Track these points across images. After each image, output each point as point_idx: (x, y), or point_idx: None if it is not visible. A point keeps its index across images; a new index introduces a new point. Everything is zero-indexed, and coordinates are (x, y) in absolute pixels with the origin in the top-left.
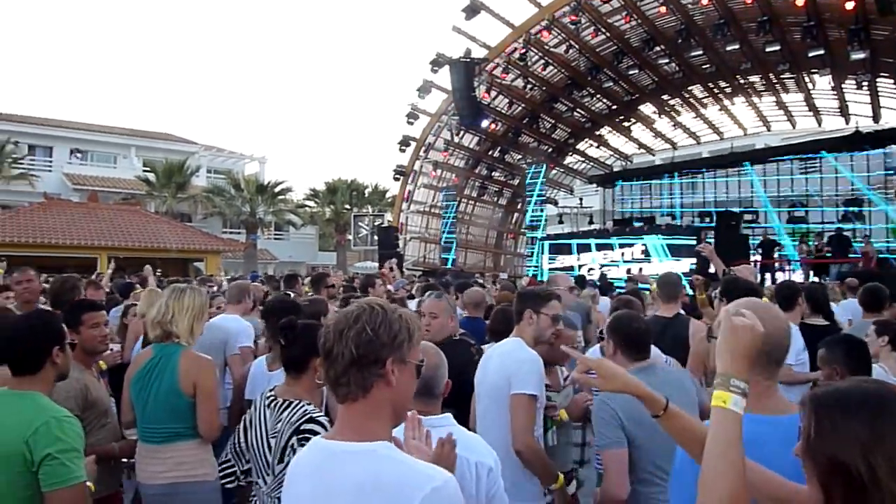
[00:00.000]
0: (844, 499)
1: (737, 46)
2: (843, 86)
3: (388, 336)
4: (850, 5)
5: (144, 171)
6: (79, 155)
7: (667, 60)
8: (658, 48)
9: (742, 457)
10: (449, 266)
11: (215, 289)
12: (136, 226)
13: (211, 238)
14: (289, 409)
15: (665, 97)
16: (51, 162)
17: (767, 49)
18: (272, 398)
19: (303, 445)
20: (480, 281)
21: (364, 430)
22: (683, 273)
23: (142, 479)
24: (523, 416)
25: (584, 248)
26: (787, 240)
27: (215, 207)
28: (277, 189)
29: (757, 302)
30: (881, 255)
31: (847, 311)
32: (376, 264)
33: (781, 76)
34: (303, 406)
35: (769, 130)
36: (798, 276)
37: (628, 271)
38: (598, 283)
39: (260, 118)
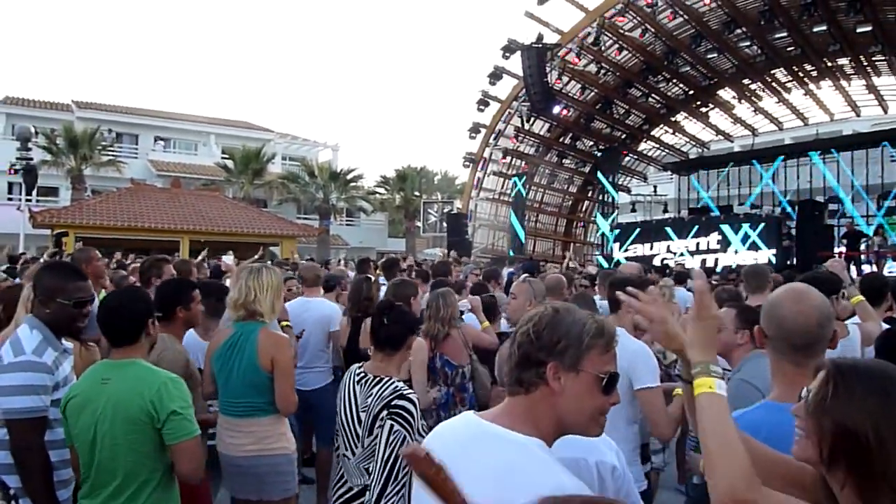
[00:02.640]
0: (848, 461)
1: (824, 28)
2: None
3: (550, 340)
4: None
5: (223, 157)
6: (162, 142)
7: (748, 43)
8: (739, 30)
9: (740, 435)
10: (512, 255)
11: (290, 272)
12: (216, 211)
13: (286, 223)
14: (380, 385)
15: (745, 81)
16: (136, 149)
17: (858, 30)
18: (363, 374)
19: (393, 419)
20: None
21: (521, 422)
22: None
23: (223, 450)
24: (659, 407)
25: (659, 237)
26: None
27: (290, 193)
28: (349, 176)
29: (784, 287)
30: None
31: None
32: (444, 251)
33: (873, 58)
34: (393, 382)
35: (858, 116)
36: (886, 270)
37: (703, 262)
38: (674, 273)
39: (334, 106)
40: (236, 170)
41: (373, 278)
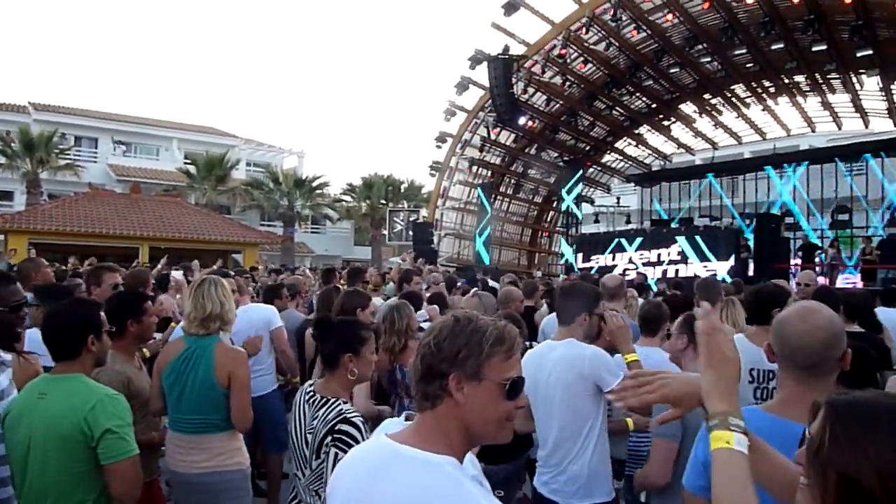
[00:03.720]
0: None
1: (782, 45)
2: (891, 86)
3: (450, 350)
4: None
5: (186, 163)
6: (122, 146)
7: (709, 59)
8: (700, 46)
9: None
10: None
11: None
12: (177, 217)
13: (249, 230)
14: (325, 407)
15: (706, 96)
16: (96, 153)
17: (814, 48)
18: (311, 394)
19: (336, 446)
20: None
21: (432, 440)
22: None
23: (174, 468)
24: None
25: (620, 248)
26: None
27: (254, 200)
28: (315, 183)
29: (795, 304)
30: None
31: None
32: (400, 259)
33: (828, 76)
34: (338, 405)
35: (814, 132)
36: (841, 282)
37: (664, 273)
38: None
39: (300, 113)
40: (199, 176)
41: (341, 288)
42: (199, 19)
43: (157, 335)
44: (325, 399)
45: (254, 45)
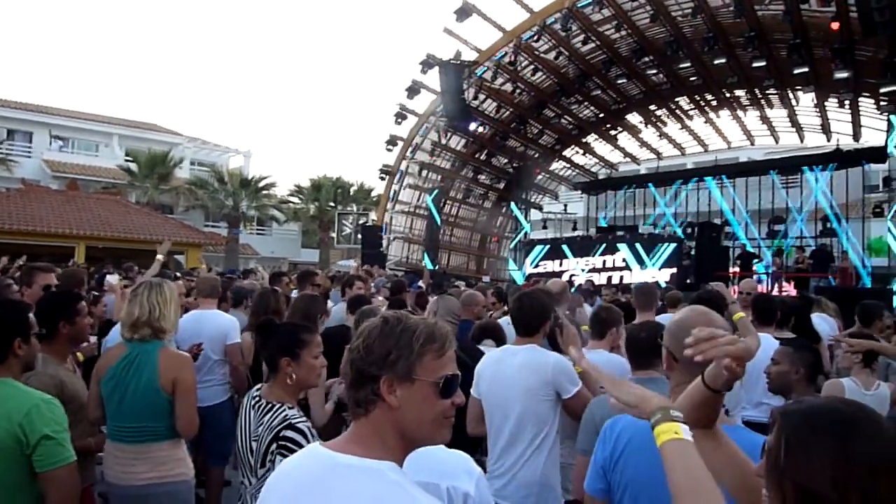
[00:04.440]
0: None
1: (724, 60)
2: (825, 104)
3: (380, 352)
4: (835, 25)
5: (127, 160)
6: (59, 141)
7: (655, 71)
8: (647, 58)
9: (714, 483)
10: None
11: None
12: (116, 216)
13: (192, 231)
14: (270, 413)
15: (652, 107)
16: (30, 148)
17: (754, 64)
18: (257, 399)
19: (282, 454)
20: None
21: (369, 446)
22: (666, 282)
23: (113, 480)
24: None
25: (568, 255)
26: (766, 252)
27: (198, 200)
28: (262, 184)
29: (690, 309)
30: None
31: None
32: (357, 262)
33: (766, 91)
34: (284, 410)
35: (753, 144)
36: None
37: (609, 279)
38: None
39: (247, 112)
40: (140, 173)
41: (280, 290)
42: (144, 13)
43: (93, 338)
44: (270, 405)
45: (201, 41)
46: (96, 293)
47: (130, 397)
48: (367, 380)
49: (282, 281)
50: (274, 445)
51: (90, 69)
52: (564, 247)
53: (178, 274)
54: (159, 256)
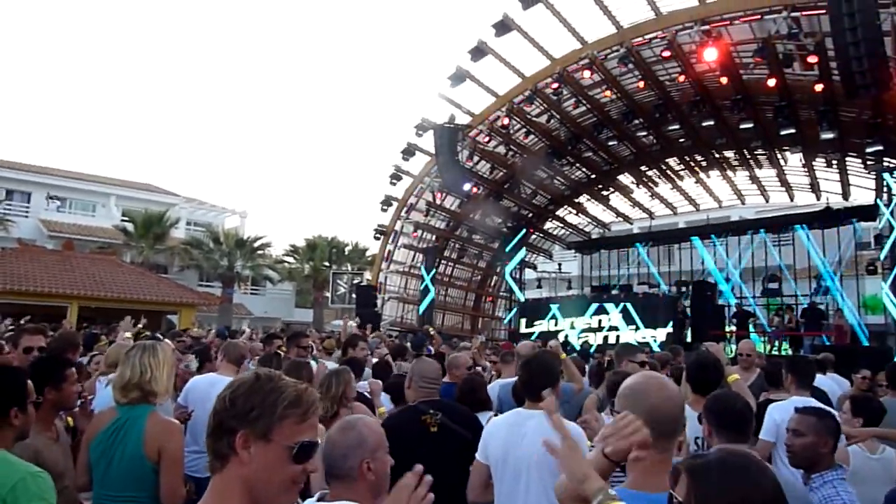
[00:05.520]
0: None
1: (712, 122)
2: (813, 163)
3: (244, 407)
4: (819, 87)
5: (123, 220)
6: (57, 202)
7: (645, 133)
8: (637, 121)
9: None
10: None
11: (188, 342)
12: (110, 276)
13: (185, 290)
14: None
15: (643, 168)
16: (28, 208)
17: (741, 126)
18: None
19: None
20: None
21: (223, 502)
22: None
23: None
24: None
25: (563, 314)
26: (760, 312)
27: (192, 260)
28: (257, 244)
29: (643, 375)
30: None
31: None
32: (353, 322)
33: (755, 152)
34: None
35: (743, 204)
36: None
37: (605, 339)
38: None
39: (244, 173)
40: (136, 233)
41: (282, 354)
42: (142, 76)
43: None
44: None
45: (200, 102)
46: (90, 353)
47: (116, 465)
48: (226, 432)
49: (274, 343)
50: None
51: (88, 130)
52: (555, 306)
53: (160, 335)
54: (127, 334)
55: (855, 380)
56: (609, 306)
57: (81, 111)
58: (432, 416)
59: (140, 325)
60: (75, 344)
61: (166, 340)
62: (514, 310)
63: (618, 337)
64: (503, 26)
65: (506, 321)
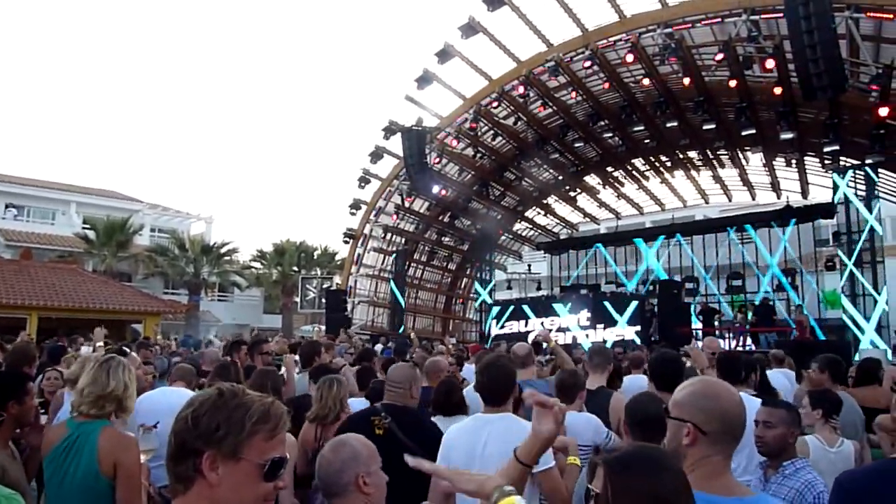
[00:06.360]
0: None
1: (675, 123)
2: (773, 163)
3: (208, 426)
4: (778, 90)
5: (84, 228)
6: (14, 210)
7: (611, 134)
8: (602, 122)
9: None
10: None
11: (158, 350)
12: (71, 285)
13: (150, 299)
14: None
15: (609, 169)
16: None
17: (704, 127)
18: None
19: None
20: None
21: None
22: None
23: None
24: (559, 483)
25: (533, 314)
26: (726, 308)
27: (157, 267)
28: (223, 250)
29: (709, 379)
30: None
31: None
32: (322, 327)
33: (717, 152)
34: None
35: (707, 203)
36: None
37: (574, 339)
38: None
39: (208, 178)
40: (98, 241)
41: (240, 363)
42: (103, 79)
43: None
44: None
45: (162, 107)
46: (48, 368)
47: (69, 482)
48: (189, 453)
49: (241, 350)
50: None
51: (47, 136)
52: (526, 307)
53: (126, 349)
54: (99, 343)
55: (805, 374)
56: (558, 307)
57: (39, 116)
58: (381, 419)
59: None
60: (31, 357)
61: (133, 354)
62: (492, 310)
63: (587, 336)
64: (469, 28)
65: (477, 322)
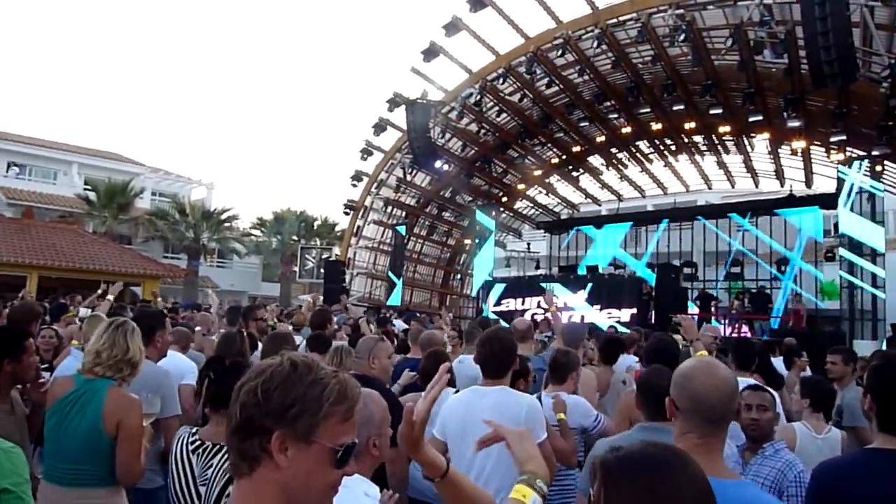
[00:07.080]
0: None
1: (682, 107)
2: (779, 150)
3: (281, 403)
4: (788, 76)
5: (86, 189)
6: (16, 168)
7: (616, 115)
8: (608, 103)
9: None
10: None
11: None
12: (72, 245)
13: (150, 262)
14: (220, 454)
15: (613, 150)
16: None
17: (711, 111)
18: (198, 442)
19: None
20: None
21: None
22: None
23: None
24: (550, 455)
25: (530, 293)
26: (723, 294)
27: (157, 231)
28: (224, 216)
29: (697, 360)
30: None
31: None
32: (320, 297)
33: (723, 138)
34: None
35: (710, 189)
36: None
37: (570, 318)
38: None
39: (211, 143)
40: (99, 203)
41: (245, 332)
42: (108, 40)
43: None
44: (217, 446)
45: (168, 71)
46: (45, 326)
47: (71, 436)
48: (257, 431)
49: (256, 315)
50: (230, 487)
51: (51, 96)
52: (532, 285)
53: (130, 305)
54: (110, 297)
55: (795, 361)
56: (576, 286)
57: (43, 76)
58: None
59: (111, 295)
60: (36, 314)
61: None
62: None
63: (582, 317)
64: (477, 1)
65: (474, 298)
